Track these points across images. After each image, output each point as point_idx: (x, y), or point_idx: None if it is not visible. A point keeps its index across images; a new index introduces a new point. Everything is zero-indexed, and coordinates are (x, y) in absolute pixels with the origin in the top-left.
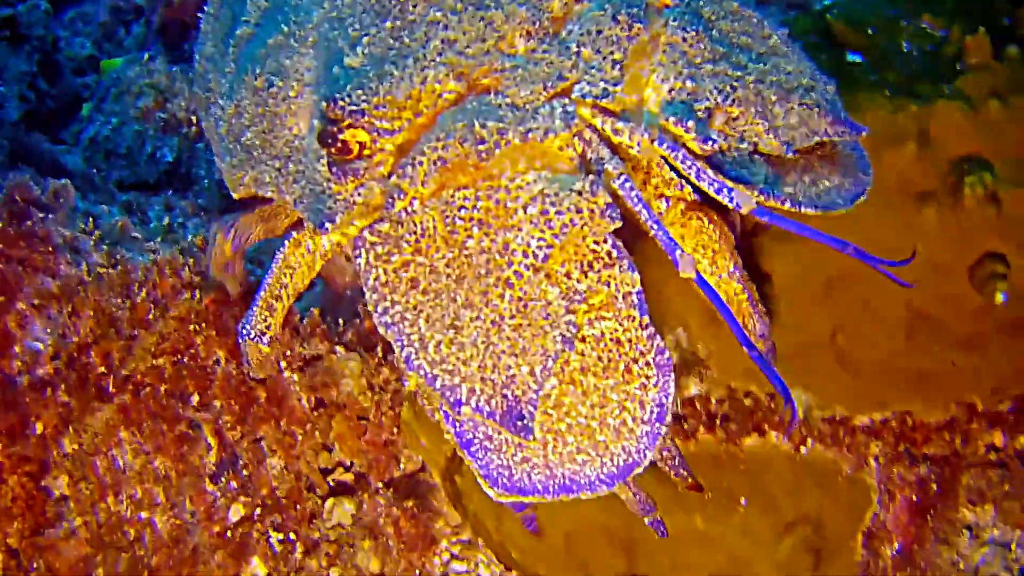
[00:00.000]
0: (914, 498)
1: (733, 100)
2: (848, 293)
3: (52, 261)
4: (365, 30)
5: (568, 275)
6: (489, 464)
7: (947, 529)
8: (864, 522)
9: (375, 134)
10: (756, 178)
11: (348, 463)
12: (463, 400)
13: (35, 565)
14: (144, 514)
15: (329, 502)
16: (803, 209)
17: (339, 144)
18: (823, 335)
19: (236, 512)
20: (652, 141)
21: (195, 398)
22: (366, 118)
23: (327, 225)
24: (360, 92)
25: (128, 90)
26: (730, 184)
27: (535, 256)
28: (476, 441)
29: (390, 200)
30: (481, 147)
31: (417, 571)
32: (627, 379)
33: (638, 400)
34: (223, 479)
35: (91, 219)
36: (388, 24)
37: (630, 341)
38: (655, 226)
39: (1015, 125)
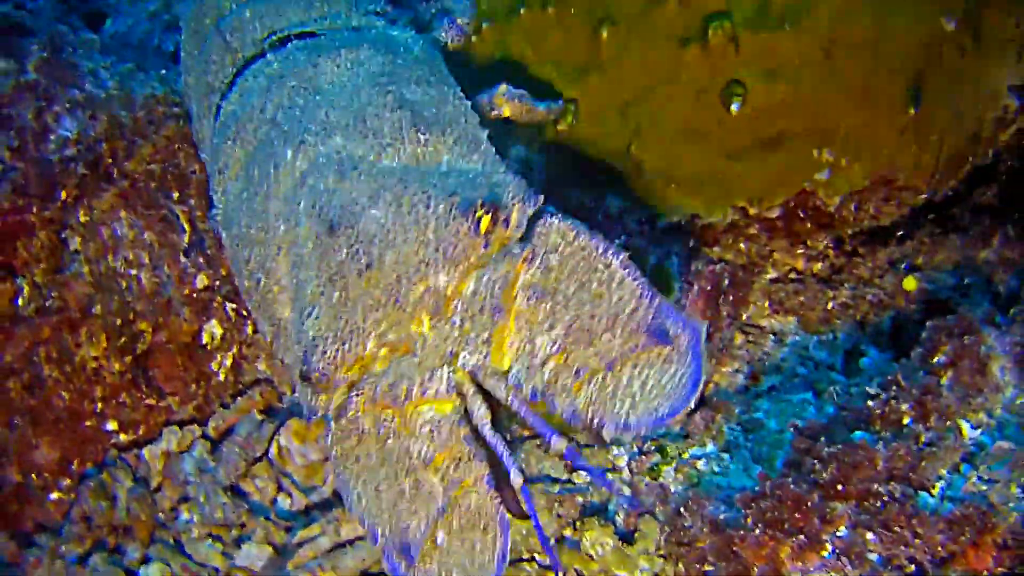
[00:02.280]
0: (708, 287)
1: (563, 346)
2: (639, 110)
3: (79, 80)
4: (319, 291)
5: (447, 468)
6: None
7: (755, 332)
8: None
9: (335, 383)
10: (576, 403)
11: None
12: (377, 537)
13: (52, 295)
14: (133, 271)
15: None
16: (607, 430)
17: (314, 384)
18: (622, 146)
19: (201, 281)
20: (506, 399)
21: (175, 195)
22: (327, 378)
23: (311, 418)
24: (324, 360)
25: None
26: (549, 429)
27: (425, 457)
28: (399, 574)
29: (344, 411)
30: (397, 400)
31: None
32: (483, 537)
33: (490, 549)
34: (193, 254)
35: (108, 61)
36: (336, 296)
37: (487, 513)
38: (496, 447)
39: None
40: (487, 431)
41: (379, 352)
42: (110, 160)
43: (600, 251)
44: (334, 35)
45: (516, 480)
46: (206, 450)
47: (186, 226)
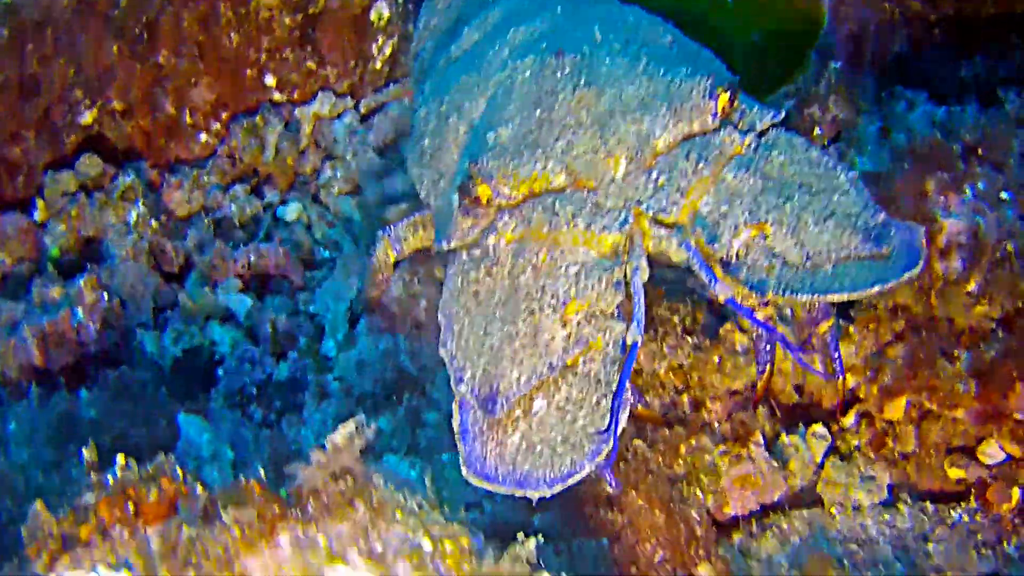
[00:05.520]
0: (855, 30)
1: (761, 220)
2: None
3: None
4: (520, 110)
5: (579, 323)
6: (471, 451)
7: (888, 94)
8: (817, 37)
9: (496, 196)
10: (767, 280)
11: None
12: (463, 379)
13: None
14: None
15: None
16: (798, 296)
17: (471, 195)
18: None
19: None
20: (679, 245)
21: None
22: (493, 182)
23: (443, 243)
24: (496, 162)
25: None
26: (715, 277)
27: (560, 300)
28: (469, 432)
29: (486, 235)
30: (555, 220)
31: None
32: (594, 410)
33: (595, 427)
34: None
35: None
36: (537, 113)
37: (607, 383)
38: (637, 297)
39: None
40: (638, 280)
41: (556, 178)
42: None
43: (831, 165)
44: None
45: (635, 334)
46: (356, 119)
47: None
